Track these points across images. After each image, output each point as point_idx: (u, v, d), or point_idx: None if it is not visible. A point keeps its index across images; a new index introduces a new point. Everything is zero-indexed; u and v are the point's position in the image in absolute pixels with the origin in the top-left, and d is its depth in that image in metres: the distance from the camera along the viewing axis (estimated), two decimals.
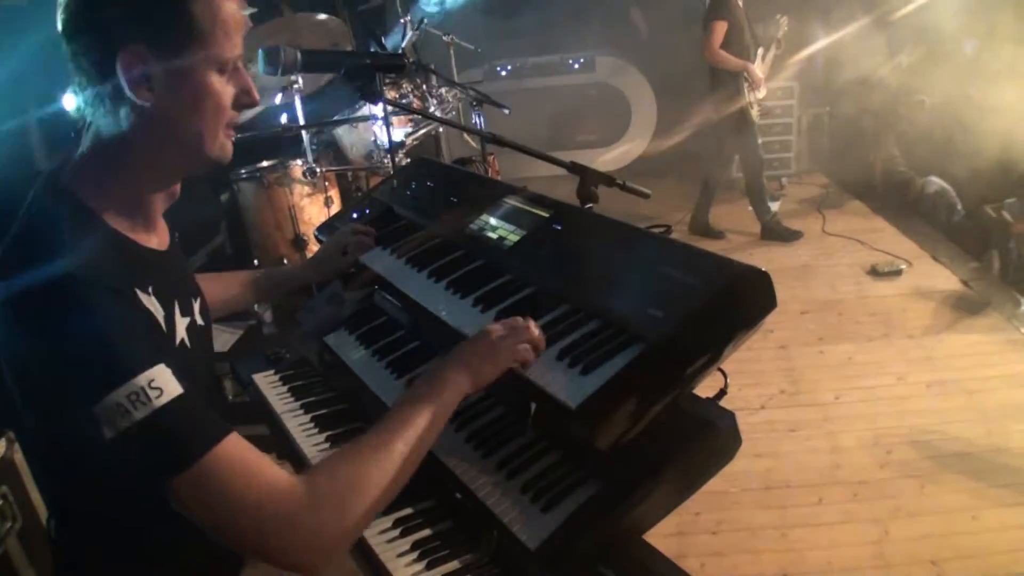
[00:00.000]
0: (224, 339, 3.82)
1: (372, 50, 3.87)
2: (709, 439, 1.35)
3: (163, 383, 1.01)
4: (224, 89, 1.17)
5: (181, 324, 1.22)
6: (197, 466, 1.01)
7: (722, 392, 1.46)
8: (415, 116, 3.77)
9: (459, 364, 1.29)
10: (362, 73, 1.84)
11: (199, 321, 1.32)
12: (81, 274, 1.03)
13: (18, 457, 2.52)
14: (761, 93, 5.69)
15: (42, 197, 1.16)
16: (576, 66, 7.64)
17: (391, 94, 3.76)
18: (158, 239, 1.27)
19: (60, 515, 1.32)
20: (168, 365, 1.03)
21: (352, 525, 1.09)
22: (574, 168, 1.78)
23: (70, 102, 3.40)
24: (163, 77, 1.10)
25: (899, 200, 6.41)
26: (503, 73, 7.60)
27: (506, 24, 7.09)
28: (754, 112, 5.74)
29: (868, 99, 6.96)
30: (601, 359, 1.29)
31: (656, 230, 1.61)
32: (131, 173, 1.17)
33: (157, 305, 1.15)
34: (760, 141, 5.96)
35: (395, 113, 2.65)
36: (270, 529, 1.03)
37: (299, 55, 1.75)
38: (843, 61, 6.95)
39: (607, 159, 7.47)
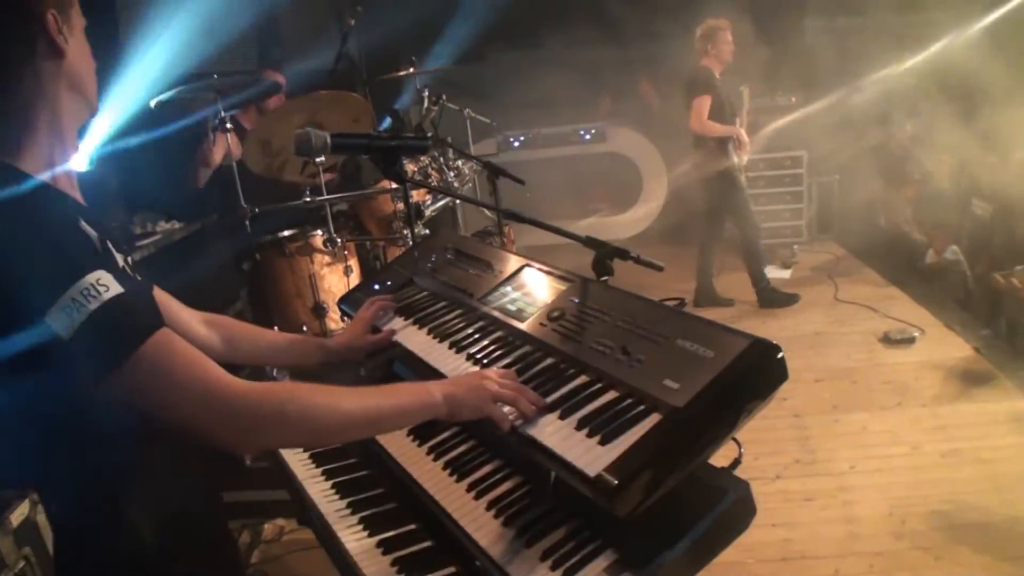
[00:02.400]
0: None
1: (391, 127, 3.98)
2: (725, 509, 1.39)
3: (107, 282, 1.16)
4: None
5: (118, 257, 1.33)
6: (146, 345, 1.17)
7: (736, 461, 1.49)
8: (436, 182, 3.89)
9: (444, 386, 1.48)
10: (387, 154, 1.93)
11: (132, 273, 1.40)
12: (25, 198, 1.19)
13: (41, 519, 2.56)
14: (744, 159, 5.88)
15: None
16: (588, 136, 7.80)
17: (410, 166, 3.87)
18: (78, 197, 1.40)
19: (55, 519, 1.40)
20: (109, 271, 1.18)
21: (274, 446, 1.41)
22: (589, 242, 1.84)
23: (84, 161, 3.47)
24: (68, 35, 1.32)
25: (911, 267, 6.46)
26: (516, 144, 7.76)
27: (519, 95, 7.26)
28: (743, 176, 5.91)
29: (877, 165, 7.08)
30: (619, 429, 1.33)
31: (670, 302, 1.66)
32: (43, 128, 1.32)
33: (92, 231, 1.26)
34: (752, 207, 6.10)
35: (414, 187, 2.74)
36: (211, 411, 1.21)
37: (328, 139, 1.84)
38: (851, 127, 7.10)
39: (620, 227, 7.57)
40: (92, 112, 1.44)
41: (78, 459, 1.28)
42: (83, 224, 1.25)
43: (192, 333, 1.81)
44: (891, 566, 3.05)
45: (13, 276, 1.13)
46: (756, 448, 3.85)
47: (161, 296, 1.73)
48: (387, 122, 4.26)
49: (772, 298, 6.08)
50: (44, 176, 1.30)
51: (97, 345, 1.15)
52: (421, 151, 1.92)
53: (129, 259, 1.42)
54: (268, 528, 3.66)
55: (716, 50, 5.78)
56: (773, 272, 6.76)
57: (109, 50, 4.31)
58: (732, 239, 6.46)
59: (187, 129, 4.11)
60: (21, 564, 2.46)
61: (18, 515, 2.50)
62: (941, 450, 3.85)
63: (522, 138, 7.81)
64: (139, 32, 4.54)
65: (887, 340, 5.20)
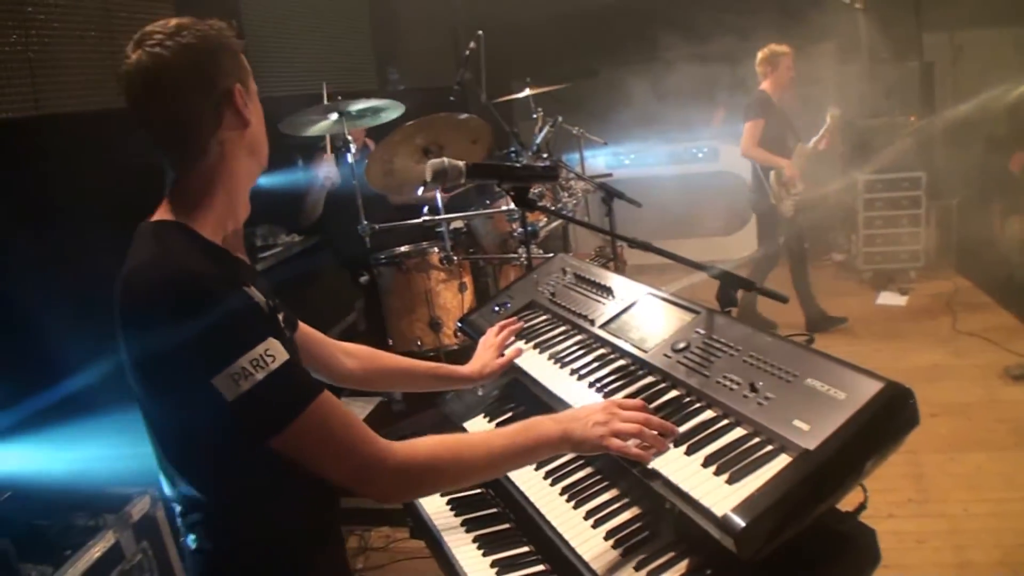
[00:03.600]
0: (355, 412, 3.95)
1: (515, 153, 4.03)
2: (850, 557, 1.37)
3: (276, 352, 1.25)
4: None
5: (280, 319, 1.43)
6: (306, 413, 1.26)
7: (862, 506, 1.47)
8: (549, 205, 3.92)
9: (562, 423, 1.52)
10: (519, 183, 1.97)
11: (286, 332, 1.50)
12: (200, 269, 1.26)
13: (160, 515, 2.69)
14: (797, 188, 5.72)
15: (145, 230, 1.37)
16: (700, 155, 7.72)
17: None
18: (244, 255, 1.49)
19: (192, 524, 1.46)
20: (277, 338, 1.27)
21: (415, 498, 1.46)
22: (716, 273, 1.83)
23: None
24: (250, 103, 1.43)
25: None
26: (626, 162, 7.75)
27: (632, 111, 7.25)
28: (786, 205, 5.73)
29: (1000, 189, 6.78)
30: (747, 469, 1.32)
31: (798, 339, 1.64)
32: (221, 193, 1.41)
33: (261, 297, 1.35)
34: (798, 232, 5.94)
35: (535, 211, 2.79)
36: (366, 479, 1.32)
37: (464, 168, 1.90)
38: (973, 148, 6.83)
39: (729, 248, 7.46)
40: (263, 169, 1.53)
41: (225, 473, 1.36)
42: (252, 289, 1.33)
43: (336, 363, 1.92)
44: None
45: (191, 340, 1.20)
46: (869, 484, 3.70)
47: (306, 331, 1.85)
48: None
49: (821, 323, 5.96)
50: (216, 239, 1.38)
51: (262, 411, 1.24)
52: (551, 179, 1.96)
53: (280, 313, 1.51)
54: (375, 535, 3.74)
55: (776, 75, 5.71)
56: (888, 299, 6.56)
57: None
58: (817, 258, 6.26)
59: (307, 148, 4.26)
60: (139, 557, 2.60)
61: (139, 510, 2.65)
62: None
63: (633, 155, 7.79)
64: (260, 50, 4.75)
65: (1007, 376, 4.96)
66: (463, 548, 1.80)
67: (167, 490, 1.44)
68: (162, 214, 1.38)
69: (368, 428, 1.34)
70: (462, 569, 1.74)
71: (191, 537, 1.43)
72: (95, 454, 2.51)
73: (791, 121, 5.88)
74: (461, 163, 1.91)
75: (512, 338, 2.11)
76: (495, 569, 1.71)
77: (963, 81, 7.41)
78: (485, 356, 2.06)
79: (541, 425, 1.51)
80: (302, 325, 1.83)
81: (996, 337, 5.55)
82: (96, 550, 2.44)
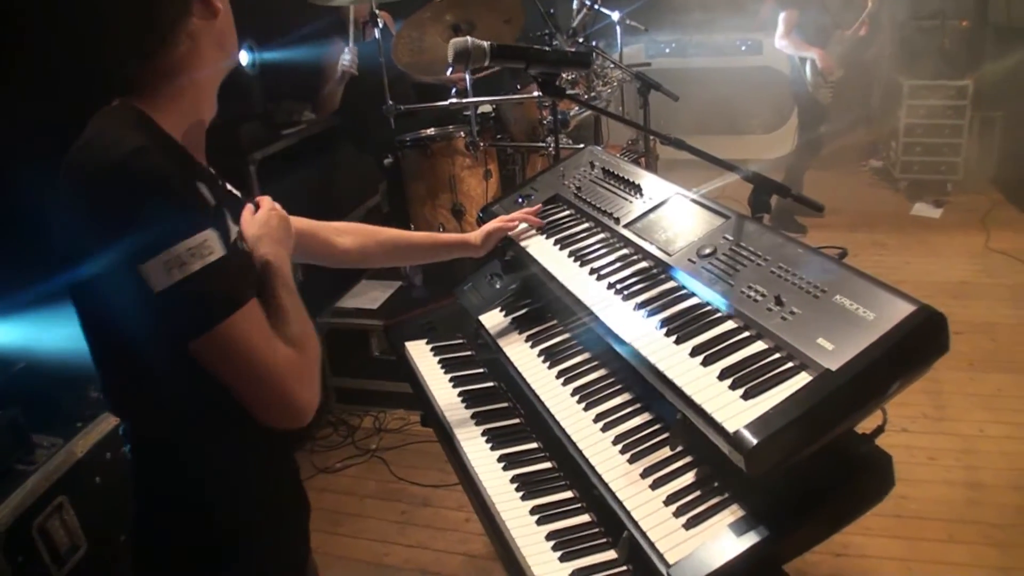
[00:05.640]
0: (374, 296, 3.97)
1: (549, 36, 3.87)
2: (863, 480, 1.34)
3: (214, 245, 1.16)
4: None
5: (232, 227, 1.33)
6: (233, 318, 1.17)
7: (879, 429, 1.43)
8: (581, 95, 3.79)
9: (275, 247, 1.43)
10: (548, 69, 1.87)
11: (241, 245, 1.39)
12: (146, 147, 1.16)
13: None
14: (835, 75, 5.67)
15: (102, 112, 1.28)
16: (744, 48, 7.41)
17: None
18: (203, 159, 1.40)
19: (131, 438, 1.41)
20: (217, 232, 1.18)
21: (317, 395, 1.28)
22: (749, 176, 1.75)
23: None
24: None
25: None
26: (667, 51, 7.45)
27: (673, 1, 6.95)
28: (823, 93, 5.70)
29: None
30: (764, 385, 1.28)
31: (831, 251, 1.57)
32: (188, 89, 1.31)
33: (208, 195, 1.26)
34: (823, 128, 5.91)
35: (566, 100, 2.67)
36: (272, 396, 1.22)
37: (488, 49, 1.80)
38: (1020, 59, 6.51)
39: (768, 146, 7.26)
40: (233, 61, 1.43)
41: (164, 386, 1.27)
42: (202, 187, 1.24)
43: (331, 245, 1.86)
44: (1009, 541, 2.90)
45: (120, 222, 1.12)
46: None
47: (296, 223, 1.75)
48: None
49: (783, 219, 5.88)
50: (177, 135, 1.29)
51: (190, 307, 1.15)
52: (583, 67, 1.84)
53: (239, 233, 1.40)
54: (390, 417, 3.80)
55: None
56: (923, 210, 6.40)
57: None
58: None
59: (331, 24, 4.10)
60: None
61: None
62: None
63: (673, 44, 7.48)
64: None
65: None
66: (472, 441, 1.80)
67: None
68: (118, 102, 1.29)
69: (282, 349, 1.24)
70: (469, 462, 1.74)
71: (127, 447, 1.39)
72: None
73: (833, 9, 5.69)
74: (485, 44, 1.80)
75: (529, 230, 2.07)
76: (502, 464, 1.72)
77: None
78: (490, 225, 2.07)
79: (279, 268, 1.40)
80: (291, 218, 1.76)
81: None
82: (108, 423, 2.44)
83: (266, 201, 1.54)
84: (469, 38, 1.80)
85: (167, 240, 1.12)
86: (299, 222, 1.79)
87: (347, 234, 1.90)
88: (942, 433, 3.58)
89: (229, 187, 1.60)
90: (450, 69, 3.64)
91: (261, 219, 1.47)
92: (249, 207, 1.50)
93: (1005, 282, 5.13)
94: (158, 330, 1.17)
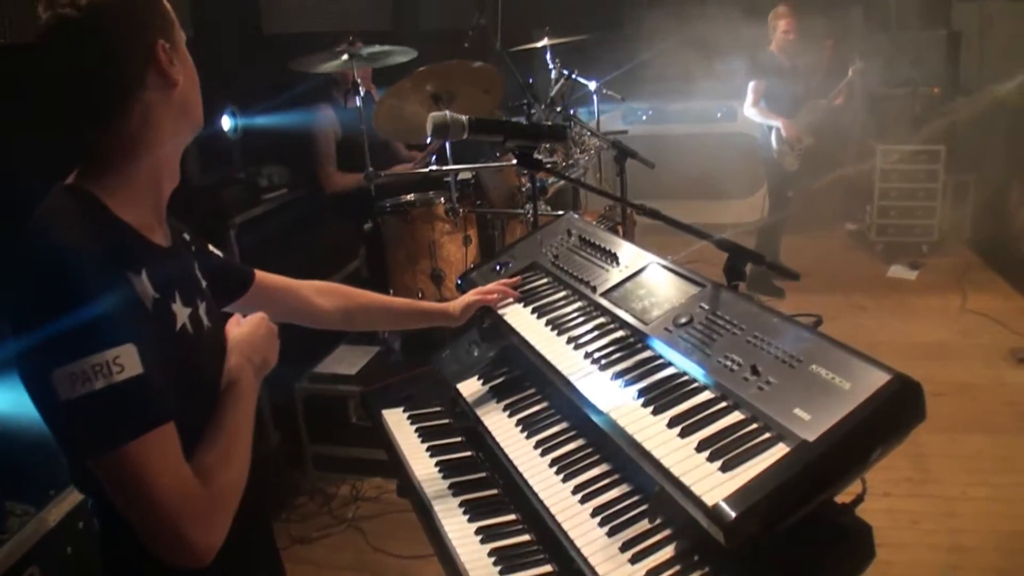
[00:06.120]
0: (352, 361, 3.94)
1: (527, 105, 3.93)
2: (844, 551, 1.33)
3: (127, 362, 1.10)
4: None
5: (182, 312, 1.29)
6: (128, 446, 1.09)
7: (859, 499, 1.43)
8: (559, 163, 3.84)
9: (242, 361, 1.40)
10: (525, 143, 1.90)
11: (205, 321, 1.37)
12: (72, 246, 1.13)
13: None
14: (802, 143, 5.82)
15: (52, 194, 1.25)
16: (719, 115, 7.56)
17: None
18: (163, 236, 1.35)
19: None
20: (138, 346, 1.12)
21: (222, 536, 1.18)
22: (723, 244, 1.77)
23: (226, 122, 3.57)
24: (178, 61, 1.29)
25: None
26: (644, 118, 7.60)
27: (652, 65, 7.09)
28: (789, 160, 5.85)
29: (1019, 167, 6.65)
30: (742, 457, 1.27)
31: (806, 318, 1.58)
32: (145, 159, 1.27)
33: (149, 288, 1.22)
34: (791, 194, 6.07)
35: (543, 172, 2.70)
36: (160, 533, 1.12)
37: (466, 123, 1.82)
38: (997, 124, 6.67)
39: (741, 211, 7.36)
40: (196, 132, 1.40)
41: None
42: (140, 277, 1.20)
43: (311, 306, 1.85)
44: None
45: (36, 324, 1.09)
46: None
47: (271, 281, 1.77)
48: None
49: (762, 283, 5.93)
50: (130, 217, 1.25)
51: (88, 426, 1.11)
52: (559, 140, 1.87)
53: (200, 301, 1.38)
54: (367, 485, 3.74)
55: (775, 37, 5.78)
56: (899, 272, 6.48)
57: (248, 2, 4.41)
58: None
59: (317, 89, 4.17)
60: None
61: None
62: None
63: (651, 111, 7.63)
64: None
65: (1013, 358, 4.89)
66: (449, 513, 1.77)
67: None
68: (71, 180, 1.27)
69: (187, 471, 1.17)
70: (446, 534, 1.71)
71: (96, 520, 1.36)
72: None
73: (804, 80, 5.91)
74: (464, 118, 1.83)
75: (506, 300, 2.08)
76: (479, 536, 1.69)
77: (990, 53, 7.20)
78: (469, 297, 2.07)
79: (242, 384, 1.38)
80: (263, 276, 1.75)
81: (1005, 318, 5.49)
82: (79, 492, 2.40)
83: (259, 314, 1.53)
84: (448, 112, 1.83)
85: (75, 352, 1.08)
86: (279, 280, 1.79)
87: (327, 295, 1.89)
88: (924, 496, 3.57)
89: (211, 248, 1.60)
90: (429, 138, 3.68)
91: (248, 327, 1.46)
92: (236, 316, 1.50)
93: (982, 343, 5.18)
94: (63, 437, 1.15)
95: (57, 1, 1.18)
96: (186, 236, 1.50)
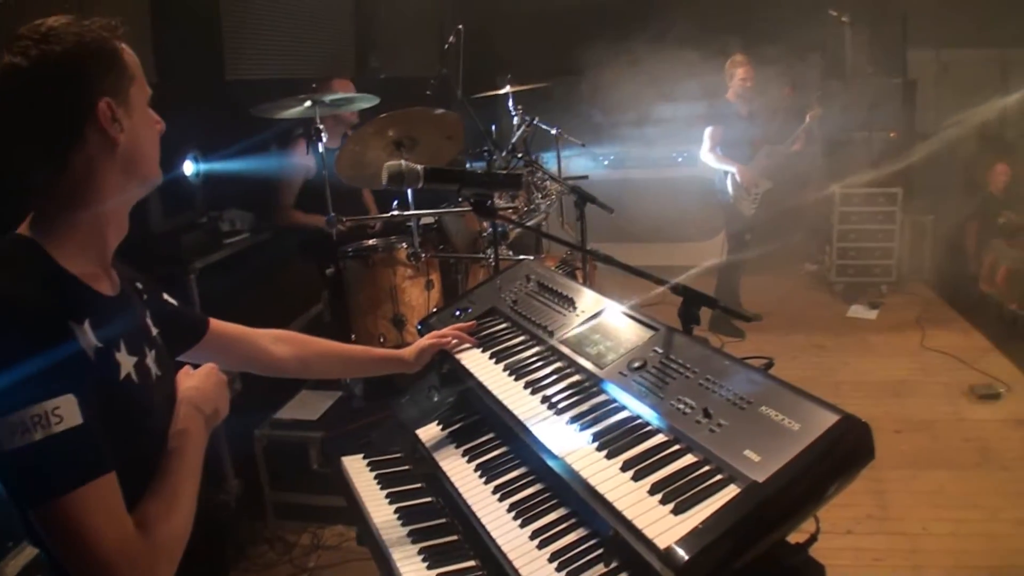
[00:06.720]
0: (314, 406, 3.91)
1: (487, 152, 3.98)
2: None
3: (66, 413, 1.11)
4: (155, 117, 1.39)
5: (127, 361, 1.29)
6: (66, 497, 1.10)
7: (813, 538, 1.44)
8: (520, 208, 3.89)
9: (193, 412, 1.41)
10: (480, 192, 1.93)
11: (154, 369, 1.37)
12: (11, 297, 1.14)
13: None
14: (759, 188, 5.96)
15: (3, 243, 1.26)
16: (679, 160, 7.69)
17: None
18: (110, 286, 1.35)
19: None
20: (79, 396, 1.13)
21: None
22: (677, 289, 1.79)
23: (188, 167, 3.56)
24: (125, 117, 1.29)
25: (1002, 318, 6.21)
26: (606, 163, 7.71)
27: (615, 111, 7.21)
28: (745, 205, 5.97)
29: (974, 208, 6.82)
30: (694, 499, 1.29)
31: (758, 361, 1.61)
32: (87, 213, 1.28)
33: (92, 338, 1.21)
34: (748, 237, 6.15)
35: (500, 220, 2.73)
36: None
37: (421, 173, 1.84)
38: (952, 166, 6.85)
39: (701, 254, 7.45)
40: (151, 186, 1.41)
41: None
42: (84, 328, 1.20)
43: (266, 354, 1.85)
44: None
45: None
46: None
47: (225, 329, 1.76)
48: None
49: (723, 325, 6.04)
50: (74, 267, 1.26)
51: (27, 477, 1.11)
52: (514, 188, 1.90)
53: (152, 353, 1.38)
54: (328, 533, 3.69)
55: (732, 84, 5.91)
56: (859, 312, 6.58)
57: (211, 49, 4.43)
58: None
59: (280, 135, 4.19)
60: None
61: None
62: (1019, 518, 3.64)
63: (612, 157, 7.76)
64: (240, 34, 4.66)
65: (973, 394, 4.98)
66: (408, 561, 1.76)
67: None
68: (23, 228, 1.28)
69: (127, 523, 1.16)
70: None
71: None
72: None
73: (761, 127, 6.04)
74: (419, 167, 1.85)
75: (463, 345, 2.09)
76: None
77: (945, 99, 7.45)
78: (423, 341, 2.07)
79: (191, 434, 1.38)
80: (218, 325, 1.74)
81: (964, 355, 5.58)
82: None
83: (209, 364, 1.53)
84: (403, 161, 1.86)
85: (14, 403, 1.09)
86: (234, 328, 1.79)
87: (283, 343, 1.89)
88: (887, 533, 3.59)
89: (165, 296, 1.59)
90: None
91: (198, 377, 1.47)
92: (187, 367, 1.50)
93: (941, 380, 5.26)
94: (7, 488, 1.14)
95: (13, 48, 1.20)
96: (138, 285, 1.50)
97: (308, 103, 3.71)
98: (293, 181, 4.28)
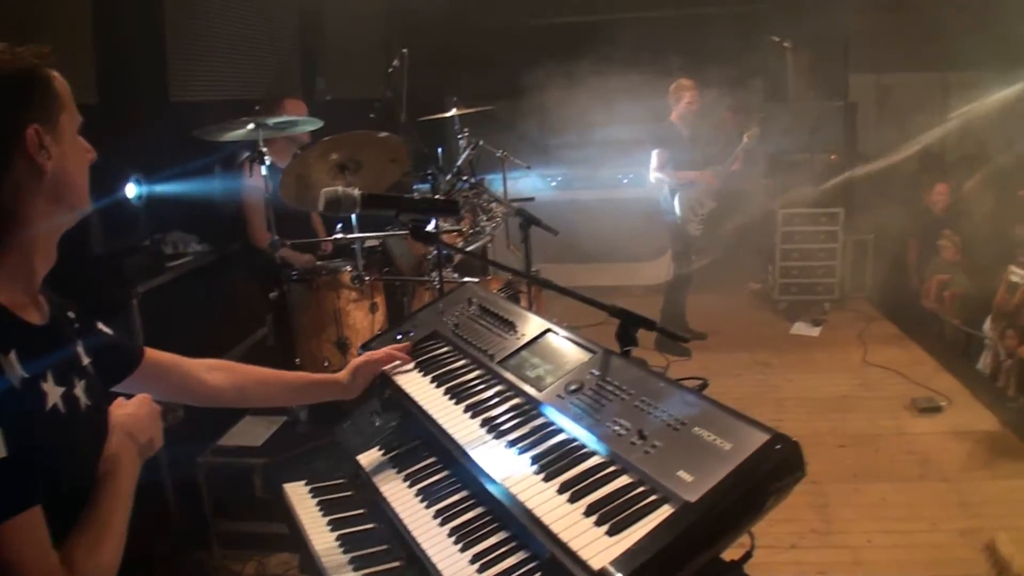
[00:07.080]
0: (258, 432, 3.86)
1: (431, 175, 3.99)
2: None
3: None
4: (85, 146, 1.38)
5: (54, 391, 1.27)
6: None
7: (748, 555, 1.47)
8: (465, 230, 3.90)
9: (126, 445, 1.40)
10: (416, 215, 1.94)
11: (83, 399, 1.35)
12: None
13: None
14: (703, 209, 6.11)
15: None
16: (626, 181, 7.78)
17: None
18: (38, 315, 1.34)
19: None
20: (3, 428, 1.11)
21: None
22: (615, 312, 1.82)
23: (131, 190, 3.51)
24: (53, 144, 1.28)
25: (941, 333, 6.37)
26: (553, 184, 7.79)
27: (558, 136, 7.29)
28: (692, 225, 6.11)
29: (914, 227, 7.00)
30: (628, 520, 1.31)
31: (692, 383, 1.64)
32: (12, 242, 1.27)
33: (18, 368, 1.20)
34: (694, 257, 6.28)
35: (440, 245, 2.74)
36: None
37: (358, 198, 1.85)
38: (892, 186, 7.03)
39: (647, 273, 7.55)
40: (80, 214, 1.40)
41: None
42: (10, 358, 1.19)
43: (199, 384, 1.82)
44: None
45: None
46: (771, 514, 3.74)
47: (159, 359, 1.74)
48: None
49: (666, 343, 6.05)
50: (0, 296, 1.24)
51: None
52: (451, 215, 1.92)
53: (81, 383, 1.36)
54: (274, 561, 3.64)
55: (679, 107, 6.05)
56: (802, 329, 6.71)
57: (155, 70, 4.39)
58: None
59: (225, 157, 4.16)
60: None
61: None
62: (960, 528, 3.74)
63: (559, 178, 7.84)
64: (185, 55, 4.63)
65: (914, 408, 5.09)
66: None
67: None
68: None
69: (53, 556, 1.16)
70: None
71: None
72: None
73: (705, 149, 6.20)
74: (356, 193, 1.86)
75: (401, 365, 2.10)
76: None
77: (886, 122, 7.67)
78: (356, 361, 2.07)
79: (123, 465, 1.38)
80: (153, 354, 1.72)
81: (905, 369, 5.71)
82: None
83: (142, 395, 1.52)
84: (340, 188, 1.86)
85: None
86: (167, 357, 1.77)
87: (219, 371, 1.87)
88: (831, 547, 3.65)
89: (100, 326, 1.57)
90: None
91: (131, 408, 1.45)
92: (120, 398, 1.48)
93: (883, 394, 5.37)
94: None
95: None
96: (71, 314, 1.48)
97: (251, 125, 3.68)
98: (257, 203, 4.23)
